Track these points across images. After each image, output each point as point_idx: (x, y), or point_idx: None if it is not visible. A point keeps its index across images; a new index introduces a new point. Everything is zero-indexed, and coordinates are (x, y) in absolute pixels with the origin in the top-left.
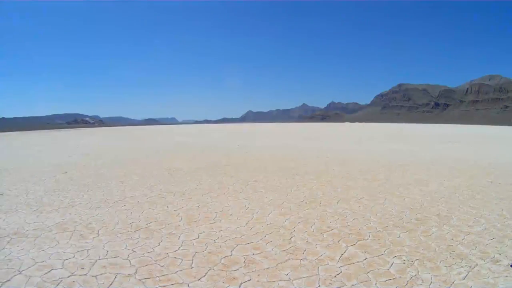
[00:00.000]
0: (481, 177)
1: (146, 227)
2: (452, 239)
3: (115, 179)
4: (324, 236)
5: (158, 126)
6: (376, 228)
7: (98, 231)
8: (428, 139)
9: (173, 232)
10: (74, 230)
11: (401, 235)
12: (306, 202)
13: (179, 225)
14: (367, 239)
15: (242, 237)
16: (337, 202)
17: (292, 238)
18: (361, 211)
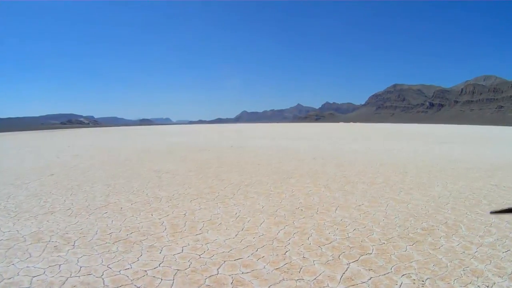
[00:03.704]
0: (484, 179)
1: (126, 239)
2: (464, 252)
3: (101, 182)
4: (323, 250)
5: (152, 126)
6: (380, 240)
7: (74, 243)
8: (425, 140)
9: (155, 244)
10: (49, 241)
11: (407, 248)
12: (301, 210)
13: (162, 236)
14: (371, 253)
15: (231, 251)
16: (336, 210)
17: (286, 253)
18: (362, 220)
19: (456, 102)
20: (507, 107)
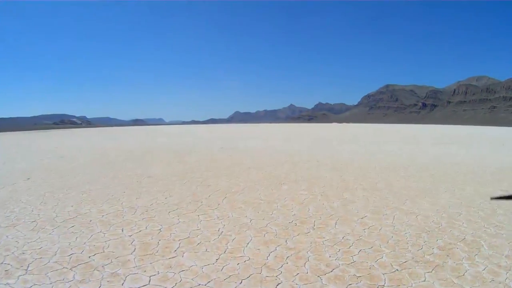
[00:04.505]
0: (492, 184)
1: (87, 262)
2: (493, 279)
3: (76, 188)
4: (323, 282)
5: (145, 126)
6: (392, 265)
7: (28, 266)
8: (421, 141)
9: (119, 272)
10: (2, 263)
11: (426, 276)
12: (296, 224)
13: (128, 260)
14: (383, 286)
15: (208, 284)
16: (335, 224)
17: (278, 287)
18: (367, 237)
19: (449, 102)
20: (499, 108)
